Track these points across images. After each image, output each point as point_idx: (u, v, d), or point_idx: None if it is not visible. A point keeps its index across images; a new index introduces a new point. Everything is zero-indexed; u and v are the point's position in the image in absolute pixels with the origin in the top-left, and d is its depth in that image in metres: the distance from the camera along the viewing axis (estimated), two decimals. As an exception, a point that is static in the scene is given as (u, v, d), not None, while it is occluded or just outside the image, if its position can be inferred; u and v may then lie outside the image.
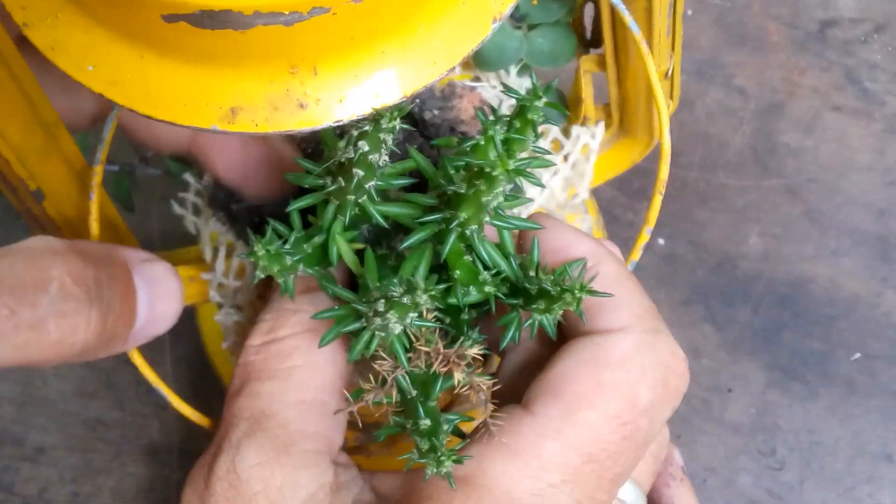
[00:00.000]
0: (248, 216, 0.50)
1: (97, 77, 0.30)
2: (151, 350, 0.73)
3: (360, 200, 0.37)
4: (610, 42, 0.51)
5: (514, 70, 0.54)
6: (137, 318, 0.42)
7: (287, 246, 0.40)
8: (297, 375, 0.41)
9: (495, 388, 0.38)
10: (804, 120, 0.78)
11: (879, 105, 0.78)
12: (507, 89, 0.37)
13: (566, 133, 0.55)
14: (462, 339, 0.39)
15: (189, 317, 0.72)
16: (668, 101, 0.53)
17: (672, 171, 0.46)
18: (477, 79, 0.54)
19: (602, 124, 0.55)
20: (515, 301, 0.39)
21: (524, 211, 0.52)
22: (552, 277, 0.38)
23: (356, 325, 0.38)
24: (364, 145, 0.34)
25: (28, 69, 0.38)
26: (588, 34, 0.54)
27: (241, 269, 0.52)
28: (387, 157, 0.35)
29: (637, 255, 0.45)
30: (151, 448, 0.71)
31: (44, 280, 0.37)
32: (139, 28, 0.29)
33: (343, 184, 0.36)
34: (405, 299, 0.35)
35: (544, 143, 0.54)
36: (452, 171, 0.37)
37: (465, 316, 0.42)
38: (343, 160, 0.35)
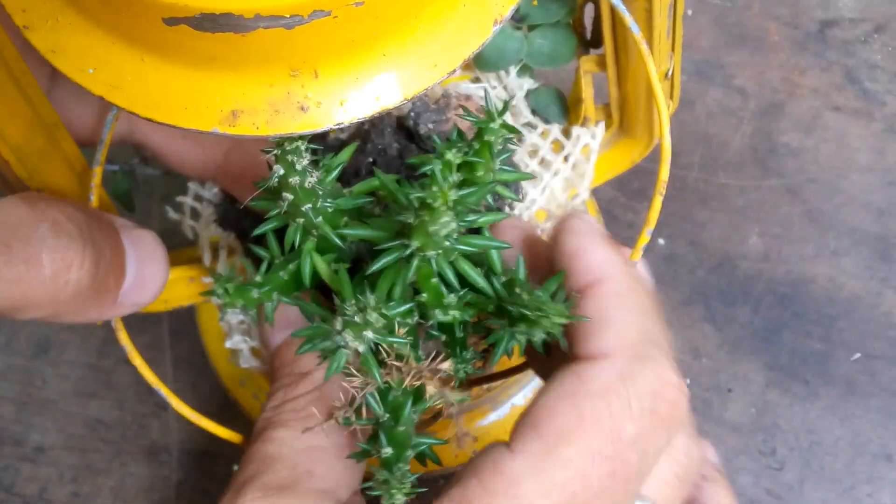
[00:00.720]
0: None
1: (98, 80, 0.30)
2: (151, 350, 0.73)
3: (315, 222, 0.37)
4: (610, 42, 0.51)
5: (513, 70, 0.54)
6: (126, 275, 0.42)
7: (257, 277, 0.41)
8: (308, 424, 0.41)
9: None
10: (804, 120, 0.78)
11: (879, 105, 0.78)
12: (466, 112, 0.38)
13: (566, 133, 0.55)
14: (442, 355, 0.39)
15: (189, 317, 0.72)
16: (668, 101, 0.53)
17: (672, 171, 0.46)
18: (477, 79, 0.54)
19: (602, 125, 0.55)
20: (501, 321, 0.39)
21: (526, 213, 0.52)
22: (531, 299, 0.37)
23: (327, 344, 0.38)
24: (279, 169, 0.35)
25: (28, 71, 0.38)
26: (588, 34, 0.54)
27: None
28: (312, 178, 0.36)
29: (637, 255, 0.45)
30: (151, 448, 0.71)
31: (38, 219, 0.37)
32: (140, 31, 0.29)
33: (296, 205, 0.37)
34: (356, 318, 0.35)
35: (544, 144, 0.54)
36: (404, 200, 0.37)
37: (459, 334, 0.42)
38: (274, 184, 0.36)
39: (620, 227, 0.75)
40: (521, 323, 0.37)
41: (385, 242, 0.38)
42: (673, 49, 0.52)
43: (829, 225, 0.75)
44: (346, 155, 0.41)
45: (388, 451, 0.37)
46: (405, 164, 0.48)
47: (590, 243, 0.39)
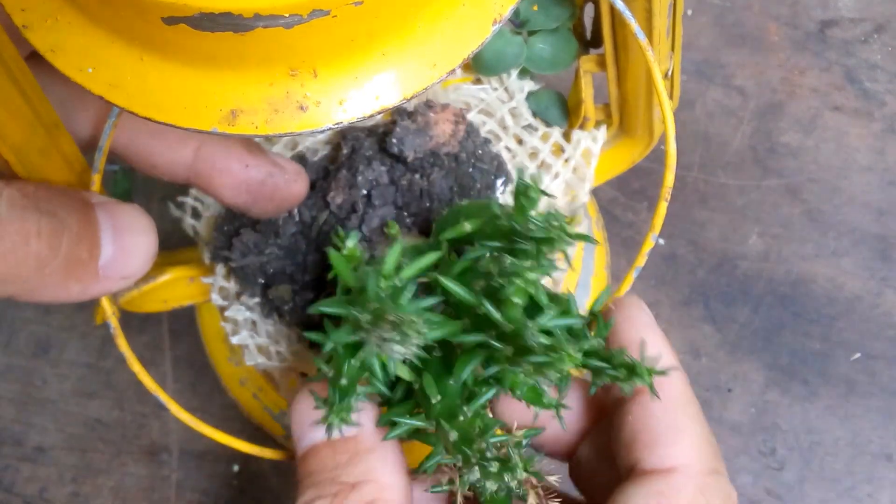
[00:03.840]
0: (251, 276, 0.50)
1: (97, 79, 0.30)
2: (151, 350, 0.73)
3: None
4: (610, 42, 0.51)
5: (514, 72, 0.54)
6: (102, 246, 0.40)
7: (342, 382, 0.38)
8: None
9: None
10: (804, 120, 0.78)
11: (879, 105, 0.78)
12: (529, 221, 0.37)
13: (567, 137, 0.55)
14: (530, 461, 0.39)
15: (189, 317, 0.72)
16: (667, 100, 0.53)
17: (672, 172, 0.46)
18: (478, 81, 0.54)
19: (604, 128, 0.55)
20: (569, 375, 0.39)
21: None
22: (616, 357, 0.37)
23: (436, 460, 0.38)
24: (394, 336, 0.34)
25: (27, 70, 0.38)
26: (588, 34, 0.54)
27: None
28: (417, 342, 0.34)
29: (642, 261, 0.45)
30: (151, 448, 0.71)
31: None
32: (139, 30, 0.29)
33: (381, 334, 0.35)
34: (506, 477, 0.35)
35: (545, 147, 0.54)
36: (497, 316, 0.36)
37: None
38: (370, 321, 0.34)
39: (620, 227, 0.75)
40: (603, 377, 0.37)
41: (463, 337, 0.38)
42: (673, 49, 0.52)
43: (829, 225, 0.75)
44: (427, 261, 0.40)
45: None
46: (399, 190, 0.48)
47: (651, 336, 0.39)
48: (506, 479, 0.35)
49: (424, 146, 0.48)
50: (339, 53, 0.29)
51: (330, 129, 0.30)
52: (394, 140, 0.48)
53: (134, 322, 0.71)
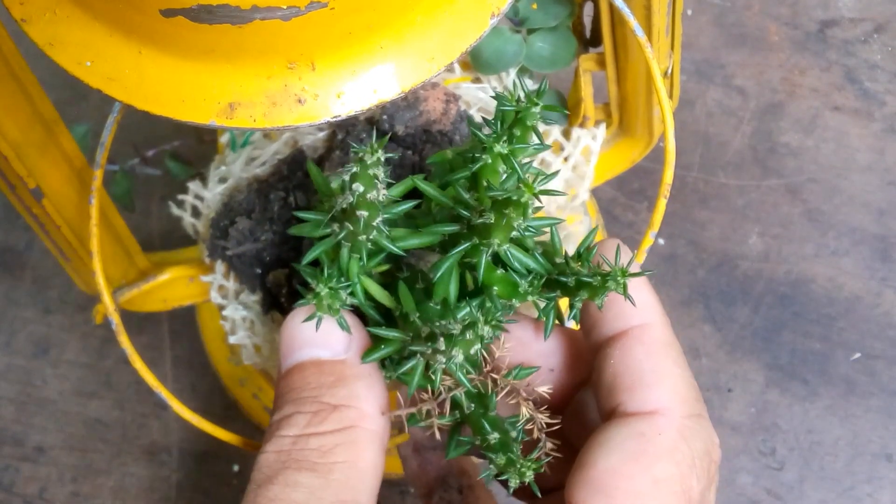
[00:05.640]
0: (248, 266, 0.50)
1: (95, 73, 0.30)
2: (151, 350, 0.73)
3: (371, 237, 0.37)
4: (609, 41, 0.51)
5: (513, 71, 0.54)
6: None
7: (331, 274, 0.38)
8: (338, 473, 0.37)
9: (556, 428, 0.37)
10: (804, 120, 0.78)
11: (879, 105, 0.78)
12: (499, 99, 0.37)
13: (566, 135, 0.55)
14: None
15: (189, 317, 0.72)
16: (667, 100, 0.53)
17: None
18: (477, 80, 0.54)
19: (603, 126, 0.55)
20: (553, 294, 0.39)
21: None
22: (590, 267, 0.37)
23: (412, 363, 0.37)
24: (359, 186, 0.34)
25: (27, 66, 0.38)
26: (587, 33, 0.54)
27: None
28: (384, 190, 0.35)
29: (641, 258, 0.45)
30: (151, 448, 0.71)
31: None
32: (137, 23, 0.29)
33: (351, 227, 0.36)
34: (468, 335, 0.34)
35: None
36: (468, 197, 0.37)
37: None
38: (345, 206, 0.35)
39: (620, 227, 0.75)
40: (583, 290, 0.37)
41: (438, 245, 0.38)
42: (672, 48, 0.52)
43: (829, 225, 0.75)
44: (409, 182, 0.41)
45: (495, 436, 0.37)
46: (391, 165, 0.48)
47: (632, 281, 0.38)
48: (468, 336, 0.34)
49: (415, 122, 0.48)
50: (337, 46, 0.29)
51: (328, 122, 0.30)
52: (384, 116, 0.48)
53: (134, 322, 0.71)
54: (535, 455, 0.37)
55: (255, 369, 0.67)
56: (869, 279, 0.73)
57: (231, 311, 0.52)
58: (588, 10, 0.52)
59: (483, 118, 0.40)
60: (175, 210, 0.54)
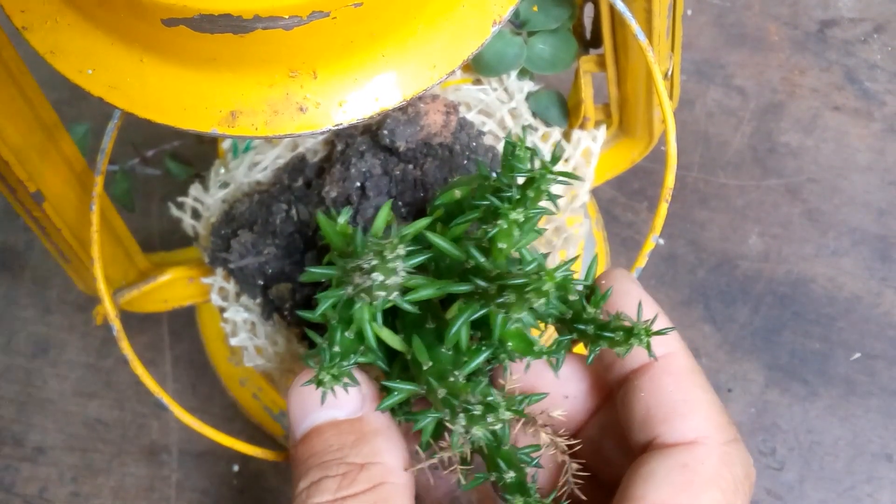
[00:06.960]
0: (250, 278, 0.50)
1: (97, 81, 0.30)
2: (151, 350, 0.73)
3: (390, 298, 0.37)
4: (610, 42, 0.51)
5: (514, 73, 0.54)
6: None
7: (335, 350, 0.38)
8: None
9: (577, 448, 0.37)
10: (804, 120, 0.78)
11: (879, 105, 0.78)
12: (512, 159, 0.37)
13: (567, 136, 0.55)
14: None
15: (189, 317, 0.72)
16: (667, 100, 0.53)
17: (672, 172, 0.46)
18: (478, 81, 0.54)
19: (603, 128, 0.55)
20: (568, 336, 0.39)
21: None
22: (613, 321, 0.37)
23: (429, 419, 0.37)
24: (378, 276, 0.34)
25: (27, 71, 0.38)
26: (588, 34, 0.54)
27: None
28: (403, 273, 0.35)
29: (643, 261, 0.45)
30: (151, 448, 0.71)
31: None
32: (139, 32, 0.29)
33: (367, 284, 0.35)
34: (489, 418, 0.34)
35: (545, 147, 0.54)
36: (484, 262, 0.37)
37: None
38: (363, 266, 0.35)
39: (620, 227, 0.75)
40: (602, 341, 0.37)
41: (451, 298, 0.38)
42: (672, 49, 0.52)
43: (829, 225, 0.75)
44: (420, 224, 0.40)
45: (511, 475, 0.37)
46: (393, 180, 0.48)
47: (645, 305, 0.38)
48: (489, 419, 0.34)
49: (416, 136, 0.48)
50: (339, 55, 0.29)
51: (330, 130, 0.30)
52: (385, 131, 0.47)
53: (134, 322, 0.71)
54: (561, 481, 0.37)
55: (256, 371, 0.67)
56: (869, 279, 0.73)
57: (232, 314, 0.52)
58: (588, 11, 0.52)
59: (495, 172, 0.40)
60: (175, 212, 0.54)
